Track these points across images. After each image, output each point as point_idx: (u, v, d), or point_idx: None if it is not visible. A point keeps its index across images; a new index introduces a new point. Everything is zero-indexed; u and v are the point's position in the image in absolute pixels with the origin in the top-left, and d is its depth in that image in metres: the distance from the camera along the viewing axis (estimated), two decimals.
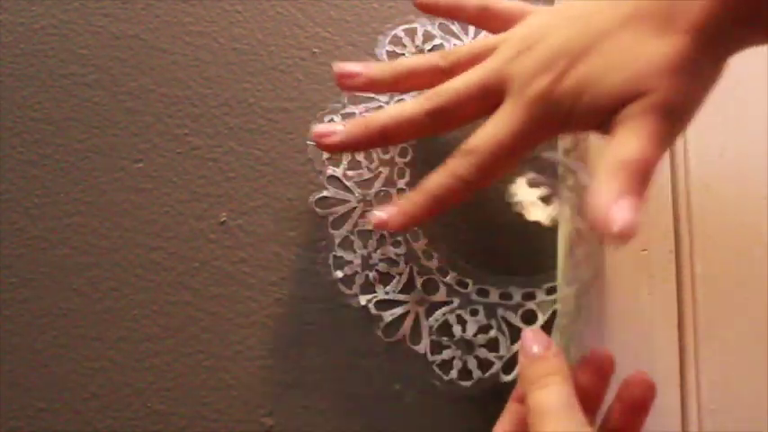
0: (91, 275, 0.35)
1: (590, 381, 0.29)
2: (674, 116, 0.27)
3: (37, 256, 0.35)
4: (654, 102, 0.27)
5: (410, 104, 0.32)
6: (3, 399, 0.33)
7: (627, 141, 0.27)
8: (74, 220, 0.35)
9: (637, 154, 0.26)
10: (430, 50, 0.39)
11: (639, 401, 0.29)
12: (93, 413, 0.33)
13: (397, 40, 0.39)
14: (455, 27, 0.40)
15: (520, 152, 0.30)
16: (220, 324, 0.35)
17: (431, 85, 0.33)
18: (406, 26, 0.40)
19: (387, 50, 0.39)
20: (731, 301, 0.36)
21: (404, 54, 0.39)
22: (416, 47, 0.39)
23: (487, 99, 0.31)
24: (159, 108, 0.37)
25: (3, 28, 0.38)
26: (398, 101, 0.38)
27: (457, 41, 0.39)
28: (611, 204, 0.25)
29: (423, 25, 0.39)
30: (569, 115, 0.29)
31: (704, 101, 0.28)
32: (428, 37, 0.39)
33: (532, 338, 0.29)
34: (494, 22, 0.35)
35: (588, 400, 0.29)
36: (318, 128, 0.33)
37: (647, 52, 0.27)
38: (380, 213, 0.32)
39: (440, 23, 0.40)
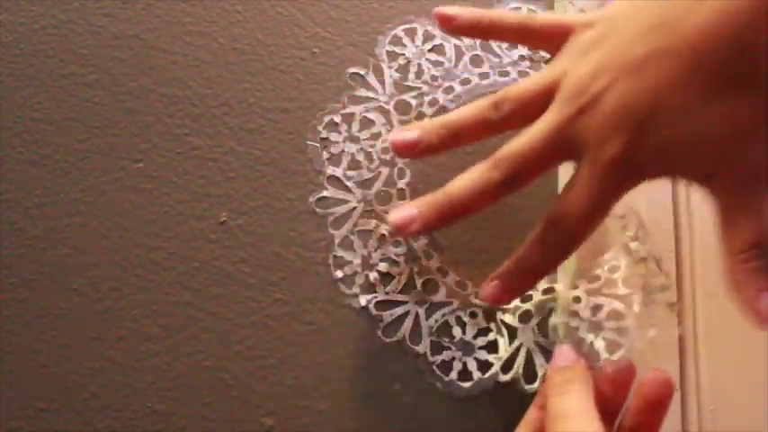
0: (91, 275, 0.35)
1: (610, 389, 0.30)
2: (755, 186, 0.27)
3: (37, 256, 0.35)
4: (732, 184, 0.27)
5: (479, 176, 0.31)
6: (3, 399, 0.33)
7: (738, 222, 0.27)
8: (74, 220, 0.35)
9: (754, 238, 0.26)
10: (430, 50, 0.39)
11: (657, 400, 0.29)
12: (93, 413, 0.33)
13: (397, 40, 0.39)
14: None
15: (606, 214, 0.30)
16: (220, 324, 0.35)
17: (483, 137, 0.33)
18: (406, 26, 0.40)
19: (387, 50, 0.39)
20: (731, 301, 0.36)
21: (404, 54, 0.39)
22: (416, 47, 0.39)
23: (554, 160, 0.31)
24: (159, 108, 0.37)
25: (3, 28, 0.38)
26: (399, 100, 0.38)
27: (456, 41, 0.39)
28: (758, 299, 0.26)
29: (423, 25, 0.39)
30: (645, 179, 0.29)
31: None
32: (428, 37, 0.39)
33: (562, 354, 0.30)
34: (533, 40, 0.34)
35: (608, 407, 0.30)
36: (395, 217, 0.32)
37: (724, 117, 0.26)
38: (492, 291, 0.31)
39: None
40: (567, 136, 0.29)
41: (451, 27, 0.34)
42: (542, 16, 0.34)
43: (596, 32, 0.30)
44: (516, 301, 0.35)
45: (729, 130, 0.26)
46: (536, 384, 0.33)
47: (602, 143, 0.28)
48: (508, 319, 0.35)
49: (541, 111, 0.30)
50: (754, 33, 0.25)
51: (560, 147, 0.29)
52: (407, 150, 0.32)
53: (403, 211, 0.32)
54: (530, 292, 0.35)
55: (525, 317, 0.35)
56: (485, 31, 0.34)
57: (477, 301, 0.35)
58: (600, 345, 0.31)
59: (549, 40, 0.32)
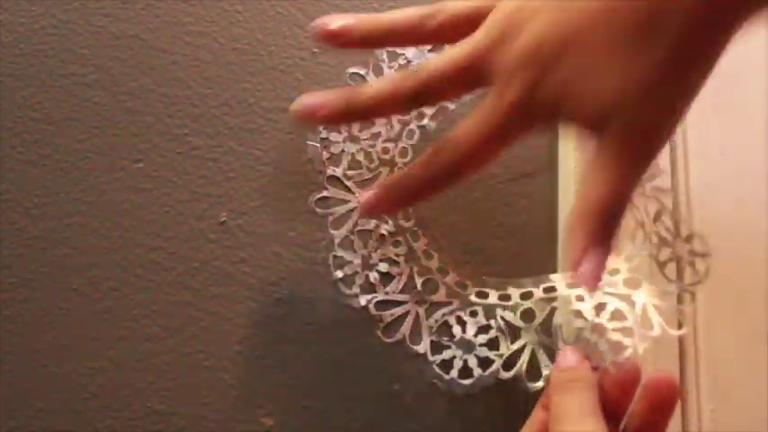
0: (91, 275, 0.35)
1: (615, 391, 0.30)
2: (651, 139, 0.27)
3: (37, 256, 0.35)
4: (633, 127, 0.26)
5: (391, 82, 0.31)
6: (3, 399, 0.33)
7: (601, 177, 0.27)
8: (74, 220, 0.35)
9: (608, 194, 0.27)
10: (430, 50, 0.39)
11: (662, 401, 0.29)
12: (93, 413, 0.33)
13: None
14: None
15: (501, 147, 0.30)
16: (220, 324, 0.35)
17: (412, 44, 0.34)
18: None
19: (387, 50, 0.39)
20: (731, 301, 0.36)
21: (404, 54, 0.39)
22: (416, 47, 0.39)
23: (469, 82, 0.31)
24: (159, 108, 0.37)
25: (3, 28, 0.38)
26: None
27: None
28: (581, 259, 0.27)
29: None
30: (548, 121, 0.29)
31: (687, 110, 0.27)
32: None
33: (566, 355, 0.30)
34: (434, 40, 0.33)
35: (613, 409, 0.30)
36: (305, 100, 0.32)
37: (625, 64, 0.25)
38: (368, 198, 0.33)
39: None
40: (481, 63, 0.29)
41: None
42: (449, 6, 0.32)
43: None
44: (516, 298, 0.35)
45: (630, 83, 0.25)
46: (539, 383, 0.33)
47: (510, 78, 0.28)
48: (509, 316, 0.35)
49: (471, 32, 0.30)
50: None
51: (474, 73, 0.30)
52: (331, 38, 0.32)
53: (310, 99, 0.32)
54: (530, 289, 0.35)
55: (528, 316, 0.35)
56: (380, 42, 0.34)
57: (476, 300, 0.35)
58: (604, 346, 0.31)
59: (454, 34, 0.31)
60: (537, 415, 0.31)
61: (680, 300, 0.35)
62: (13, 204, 0.35)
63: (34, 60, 0.37)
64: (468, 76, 0.30)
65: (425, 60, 0.31)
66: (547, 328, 0.35)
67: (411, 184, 0.32)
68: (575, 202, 0.28)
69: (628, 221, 0.35)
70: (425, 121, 0.38)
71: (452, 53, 0.30)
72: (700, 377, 0.35)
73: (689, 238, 0.33)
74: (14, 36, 0.37)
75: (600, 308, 0.33)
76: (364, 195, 0.33)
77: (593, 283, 0.27)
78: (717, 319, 0.36)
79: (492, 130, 0.29)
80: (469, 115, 0.30)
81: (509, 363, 0.34)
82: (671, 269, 0.35)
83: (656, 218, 0.34)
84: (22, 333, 0.34)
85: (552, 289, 0.35)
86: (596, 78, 0.26)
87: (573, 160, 0.36)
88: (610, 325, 0.33)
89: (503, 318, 0.35)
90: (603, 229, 0.27)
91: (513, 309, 0.35)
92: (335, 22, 0.32)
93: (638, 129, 0.26)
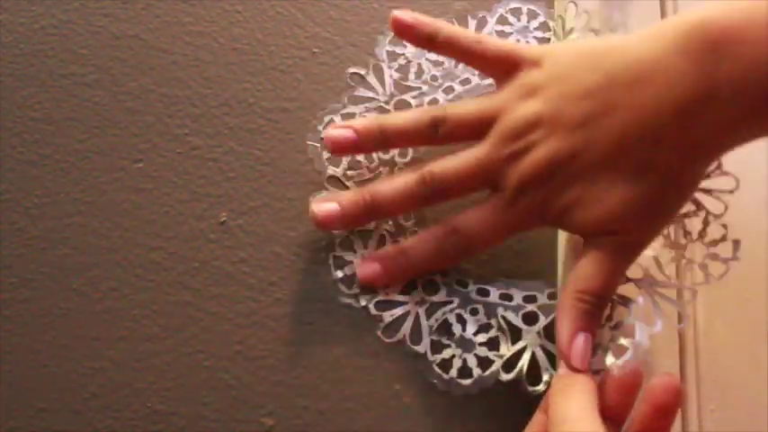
0: (91, 275, 0.35)
1: (617, 394, 0.30)
2: (636, 250, 0.32)
3: (37, 256, 0.35)
4: (623, 241, 0.31)
5: (404, 182, 0.34)
6: (3, 399, 0.33)
7: (591, 272, 0.31)
8: (74, 220, 0.35)
9: (596, 287, 0.31)
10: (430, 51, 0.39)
11: (664, 406, 0.29)
12: (93, 413, 0.33)
13: (397, 40, 0.39)
14: None
15: (501, 241, 0.35)
16: (220, 324, 0.35)
17: (416, 146, 0.37)
18: None
19: (387, 50, 0.39)
20: (731, 300, 0.36)
21: (404, 54, 0.39)
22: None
23: (479, 185, 0.34)
24: (159, 108, 0.37)
25: (3, 28, 0.38)
26: (399, 100, 0.38)
27: None
28: (570, 342, 0.31)
29: None
30: (551, 224, 0.33)
31: (668, 226, 0.33)
32: None
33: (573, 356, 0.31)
34: (480, 65, 0.36)
35: (614, 413, 0.30)
36: (318, 210, 0.34)
37: (622, 196, 0.30)
38: (367, 270, 0.35)
39: None
40: (494, 171, 0.33)
41: (406, 36, 0.35)
42: (494, 43, 0.35)
43: (542, 77, 0.33)
44: (519, 300, 0.35)
45: (626, 207, 0.30)
46: (540, 387, 0.33)
47: (523, 189, 0.32)
48: (510, 317, 0.35)
49: (476, 135, 0.34)
50: (669, 131, 0.29)
51: (486, 179, 0.33)
52: (340, 148, 0.35)
53: (325, 206, 0.34)
54: (533, 293, 0.35)
55: (530, 318, 0.35)
56: (438, 46, 0.35)
57: (477, 297, 0.35)
58: (605, 349, 0.32)
59: (496, 69, 0.35)
60: (537, 417, 0.31)
61: (679, 295, 0.35)
62: (13, 204, 0.35)
63: (34, 60, 0.37)
64: (479, 182, 0.34)
65: (437, 163, 0.34)
66: (550, 332, 0.34)
67: (417, 264, 0.35)
68: (566, 287, 0.32)
69: None
70: None
71: (463, 161, 0.34)
72: (700, 377, 0.35)
73: (714, 242, 0.33)
74: (14, 36, 0.38)
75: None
76: (366, 264, 0.35)
77: (583, 363, 0.30)
78: (717, 319, 0.36)
79: (503, 231, 0.34)
80: (480, 210, 0.34)
81: (509, 364, 0.34)
82: (671, 269, 0.35)
83: (681, 219, 0.34)
84: (22, 333, 0.34)
85: (555, 295, 0.35)
86: (598, 202, 0.31)
87: None
88: (612, 329, 0.33)
89: (504, 317, 0.35)
90: (591, 316, 0.31)
91: (515, 310, 0.35)
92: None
93: (627, 241, 0.31)
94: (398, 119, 0.35)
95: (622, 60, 0.30)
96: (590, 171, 0.31)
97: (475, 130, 0.34)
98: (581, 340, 0.30)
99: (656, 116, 0.29)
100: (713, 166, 0.33)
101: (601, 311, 0.32)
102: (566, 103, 0.31)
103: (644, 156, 0.30)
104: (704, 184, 0.33)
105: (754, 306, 0.36)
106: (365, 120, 0.35)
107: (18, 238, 0.35)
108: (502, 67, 0.34)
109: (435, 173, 0.34)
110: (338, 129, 0.35)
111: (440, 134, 0.34)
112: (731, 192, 0.33)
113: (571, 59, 0.32)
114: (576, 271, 0.32)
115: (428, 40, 0.35)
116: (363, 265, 0.35)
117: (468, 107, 0.34)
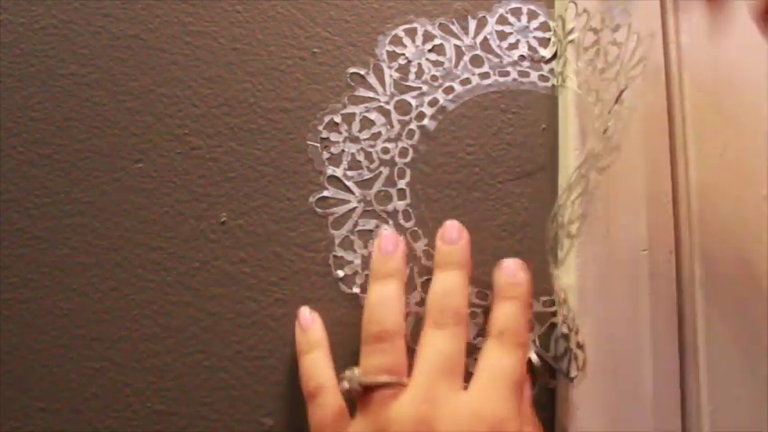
0: (91, 275, 0.35)
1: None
2: None
3: (37, 256, 0.35)
4: None
5: None
6: (3, 399, 0.33)
7: None
8: (74, 220, 0.35)
9: None
10: (430, 50, 0.39)
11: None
12: (93, 413, 0.33)
13: (397, 40, 0.39)
14: (455, 27, 0.40)
15: None
16: (220, 324, 0.35)
17: None
18: (406, 26, 0.40)
19: (387, 50, 0.39)
20: (731, 301, 0.36)
21: (404, 54, 0.39)
22: (416, 47, 0.39)
23: None
24: (159, 108, 0.37)
25: (3, 28, 0.38)
26: (398, 100, 0.38)
27: (457, 41, 0.39)
28: None
29: (422, 25, 0.39)
30: None
31: None
32: (428, 37, 0.39)
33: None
34: None
35: None
36: None
37: None
38: None
39: (440, 23, 0.40)
40: None
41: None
42: None
43: None
44: None
45: None
46: (534, 393, 0.33)
47: None
48: None
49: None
50: None
51: None
52: None
53: None
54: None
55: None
56: None
57: (476, 300, 0.35)
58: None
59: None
60: None
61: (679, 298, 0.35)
62: (13, 204, 0.35)
63: (34, 60, 0.37)
64: None
65: None
66: (545, 341, 0.35)
67: None
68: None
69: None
70: (425, 121, 0.38)
71: None
72: (700, 377, 0.35)
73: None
74: (14, 36, 0.38)
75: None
76: None
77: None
78: (717, 319, 0.36)
79: None
80: None
81: None
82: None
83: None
84: (22, 333, 0.34)
85: (551, 303, 0.35)
86: None
87: (573, 160, 0.36)
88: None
89: None
90: None
91: None
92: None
93: None
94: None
95: None
96: None
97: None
98: None
99: None
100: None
101: None
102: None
103: None
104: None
105: (754, 306, 0.36)
106: None
107: (18, 238, 0.35)
108: None
109: None
110: None
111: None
112: None
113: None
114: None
115: None
116: None
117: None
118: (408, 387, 0.31)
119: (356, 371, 0.32)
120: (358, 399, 0.31)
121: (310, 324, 0.34)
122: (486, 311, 0.35)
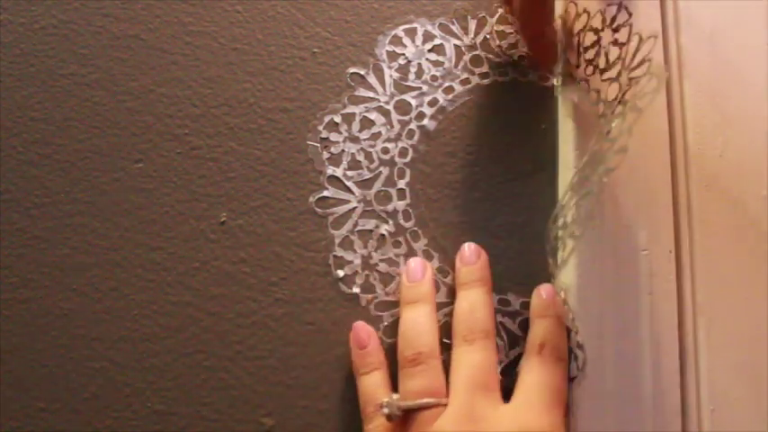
0: (91, 275, 0.35)
1: None
2: None
3: (37, 256, 0.35)
4: None
5: None
6: (3, 399, 0.33)
7: None
8: (74, 220, 0.35)
9: None
10: (430, 50, 0.39)
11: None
12: (93, 413, 0.33)
13: (397, 40, 0.39)
14: (455, 27, 0.40)
15: None
16: (220, 324, 0.35)
17: None
18: (406, 26, 0.40)
19: (387, 50, 0.39)
20: (731, 300, 0.36)
21: (404, 54, 0.39)
22: (416, 47, 0.39)
23: None
24: (159, 108, 0.37)
25: (3, 28, 0.38)
26: (398, 100, 0.38)
27: (457, 41, 0.39)
28: None
29: (423, 25, 0.40)
30: None
31: None
32: (428, 37, 0.39)
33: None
34: None
35: None
36: None
37: None
38: None
39: (440, 23, 0.40)
40: None
41: None
42: None
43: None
44: (516, 306, 0.35)
45: None
46: None
47: None
48: (507, 323, 0.35)
49: None
50: None
51: None
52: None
53: None
54: (529, 301, 0.35)
55: (527, 325, 0.35)
56: None
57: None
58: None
59: None
60: None
61: (679, 298, 0.35)
62: (13, 204, 0.35)
63: (34, 60, 0.37)
64: None
65: None
66: None
67: None
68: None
69: None
70: (425, 121, 0.38)
71: None
72: (700, 377, 0.35)
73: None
74: (14, 36, 0.38)
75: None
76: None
77: None
78: (717, 319, 0.36)
79: None
80: None
81: (508, 369, 0.34)
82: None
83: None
84: (22, 333, 0.34)
85: None
86: None
87: (573, 160, 0.36)
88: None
89: (502, 324, 0.35)
90: None
91: (512, 316, 0.35)
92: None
93: None
94: None
95: None
96: None
97: None
98: None
99: None
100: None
101: None
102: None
103: None
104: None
105: (754, 305, 0.36)
106: None
107: (18, 238, 0.35)
108: None
109: None
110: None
111: None
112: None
113: None
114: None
115: None
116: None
117: None
118: (448, 406, 0.31)
119: (395, 396, 0.32)
120: (399, 423, 0.32)
121: (367, 343, 0.34)
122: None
